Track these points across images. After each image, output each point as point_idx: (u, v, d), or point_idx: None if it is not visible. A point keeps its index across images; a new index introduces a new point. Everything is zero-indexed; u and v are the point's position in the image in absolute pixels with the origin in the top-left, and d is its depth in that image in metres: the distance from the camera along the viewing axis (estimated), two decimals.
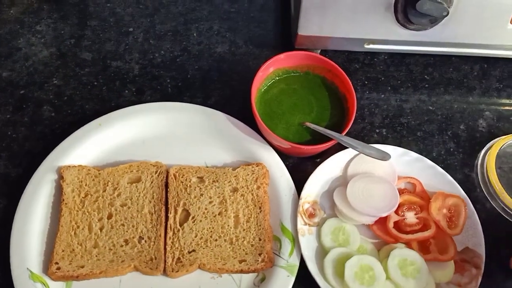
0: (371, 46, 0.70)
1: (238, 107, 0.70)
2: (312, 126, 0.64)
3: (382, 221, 0.60)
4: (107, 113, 0.66)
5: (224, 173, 0.63)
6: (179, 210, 0.60)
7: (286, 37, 0.77)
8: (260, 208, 0.61)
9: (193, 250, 0.58)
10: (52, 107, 0.69)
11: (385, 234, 0.60)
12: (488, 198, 0.66)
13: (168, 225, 0.59)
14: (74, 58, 0.73)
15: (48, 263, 0.56)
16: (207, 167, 0.64)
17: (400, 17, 0.64)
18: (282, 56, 0.66)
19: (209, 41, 0.77)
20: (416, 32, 0.67)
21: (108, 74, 0.72)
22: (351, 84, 0.65)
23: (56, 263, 0.56)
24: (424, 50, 0.72)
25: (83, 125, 0.65)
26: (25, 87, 0.70)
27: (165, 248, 0.58)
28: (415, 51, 0.73)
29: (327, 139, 0.62)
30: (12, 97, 0.69)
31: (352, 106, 0.64)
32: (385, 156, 0.62)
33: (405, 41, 0.69)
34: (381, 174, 0.63)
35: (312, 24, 0.66)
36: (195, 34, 0.77)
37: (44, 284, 0.55)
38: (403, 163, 0.64)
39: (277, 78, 0.68)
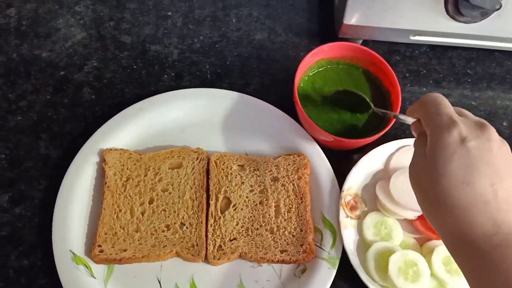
0: (417, 37, 0.69)
1: (277, 96, 0.69)
2: (378, 110, 0.62)
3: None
4: (146, 97, 0.65)
5: (265, 162, 0.62)
6: (220, 197, 0.60)
7: (325, 26, 0.75)
8: (301, 198, 0.60)
9: (234, 238, 0.58)
10: (92, 90, 0.69)
11: (428, 229, 0.59)
12: None
13: (209, 212, 0.59)
14: (113, 40, 0.73)
15: (91, 246, 0.56)
16: (247, 155, 0.64)
17: (451, 8, 0.63)
18: (326, 46, 0.65)
19: (248, 27, 0.76)
20: (465, 25, 0.65)
21: (147, 58, 0.72)
22: (396, 79, 0.64)
23: (99, 245, 0.56)
24: (469, 43, 0.70)
25: (123, 108, 0.64)
26: (64, 69, 0.70)
27: (206, 235, 0.58)
28: (460, 44, 0.71)
29: (370, 133, 0.61)
30: (52, 78, 0.69)
31: (397, 100, 0.63)
32: None
33: (451, 34, 0.67)
34: None
35: (358, 13, 0.65)
36: (234, 20, 0.76)
37: (86, 267, 0.55)
38: None
39: (320, 68, 0.67)
